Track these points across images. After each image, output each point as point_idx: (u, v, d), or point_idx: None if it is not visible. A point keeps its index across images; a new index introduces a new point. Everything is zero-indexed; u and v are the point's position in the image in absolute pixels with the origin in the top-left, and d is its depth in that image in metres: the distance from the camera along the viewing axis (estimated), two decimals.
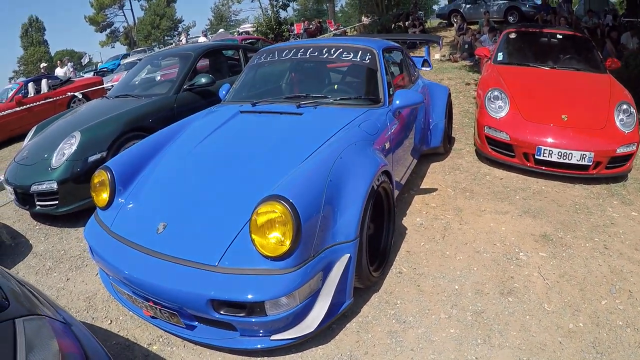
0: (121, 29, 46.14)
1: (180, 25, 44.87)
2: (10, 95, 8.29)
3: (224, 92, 3.77)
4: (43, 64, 13.40)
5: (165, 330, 2.26)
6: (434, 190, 3.82)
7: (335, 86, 3.51)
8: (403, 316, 2.29)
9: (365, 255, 2.27)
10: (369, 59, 3.33)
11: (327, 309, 2.02)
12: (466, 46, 10.39)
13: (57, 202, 3.73)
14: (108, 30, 45.71)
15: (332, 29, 18.63)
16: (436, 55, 10.76)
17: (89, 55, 29.31)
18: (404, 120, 3.30)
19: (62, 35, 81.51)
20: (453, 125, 5.39)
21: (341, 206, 2.12)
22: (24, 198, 3.84)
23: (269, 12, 19.21)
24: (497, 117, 4.16)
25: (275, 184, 2.10)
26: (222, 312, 1.91)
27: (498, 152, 4.13)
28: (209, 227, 2.14)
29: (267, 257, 1.89)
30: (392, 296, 2.45)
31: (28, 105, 7.40)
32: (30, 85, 8.91)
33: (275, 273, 1.88)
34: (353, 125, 2.71)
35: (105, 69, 18.69)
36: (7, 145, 7.96)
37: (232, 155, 2.65)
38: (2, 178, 4.15)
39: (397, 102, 3.01)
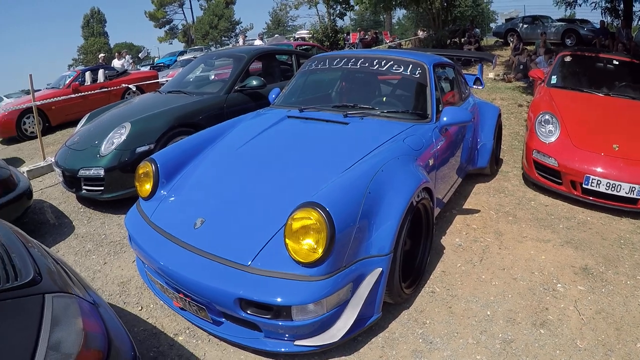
0: (180, 27, 47.81)
1: (237, 27, 46.03)
2: (67, 82, 8.73)
3: (273, 96, 3.85)
4: (101, 55, 14.04)
5: (193, 323, 2.30)
6: (477, 211, 3.72)
7: (384, 98, 3.49)
8: (430, 336, 2.22)
9: (398, 271, 2.23)
10: (419, 73, 3.32)
11: (353, 320, 1.99)
12: (521, 67, 10.12)
13: (102, 188, 3.87)
14: (167, 27, 47.46)
15: (388, 41, 18.61)
16: (490, 74, 10.54)
17: (147, 50, 30.37)
18: (451, 138, 3.24)
19: (122, 28, 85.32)
20: (502, 147, 5.25)
21: (378, 219, 2.09)
22: (71, 181, 4.01)
23: (326, 19, 19.36)
24: (547, 142, 4.01)
25: (314, 191, 2.10)
26: (248, 312, 1.92)
27: (545, 177, 3.96)
28: (245, 227, 2.16)
29: (299, 262, 1.89)
30: (422, 315, 2.39)
31: (83, 93, 7.74)
32: (88, 74, 9.35)
33: (305, 279, 1.87)
34: (398, 139, 2.69)
35: (162, 64, 19.35)
36: (61, 129, 8.34)
37: (274, 159, 2.68)
38: (53, 160, 4.35)
39: (445, 118, 2.96)
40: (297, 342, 1.98)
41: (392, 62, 3.42)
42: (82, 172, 3.87)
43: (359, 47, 16.93)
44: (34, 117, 7.99)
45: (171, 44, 48.20)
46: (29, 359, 1.15)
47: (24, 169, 5.40)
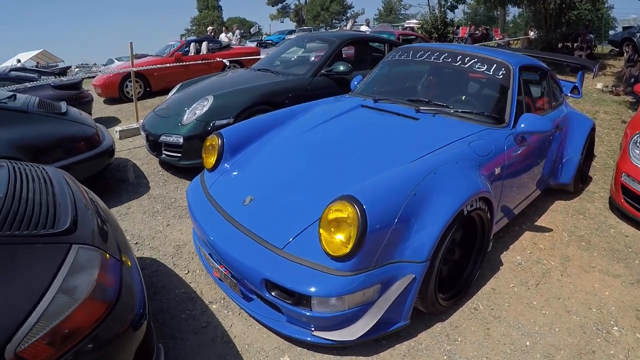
0: (292, 6, 48.86)
1: (349, 11, 46.20)
2: (171, 51, 9.31)
3: (355, 83, 3.85)
4: (210, 27, 14.77)
5: (227, 294, 2.39)
6: (548, 230, 3.40)
7: (463, 97, 3.31)
8: (457, 356, 2.10)
9: (435, 281, 2.13)
10: (502, 74, 3.10)
11: (374, 323, 1.95)
12: (632, 80, 9.03)
13: (180, 154, 4.13)
14: (279, 5, 48.73)
15: (497, 38, 17.60)
16: (598, 85, 9.55)
17: (259, 26, 31.40)
18: (529, 147, 2.99)
19: (236, 3, 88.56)
20: (594, 164, 4.73)
21: (419, 223, 1.99)
22: (154, 145, 4.31)
23: (436, 11, 18.71)
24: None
25: (360, 184, 2.05)
26: (273, 294, 1.96)
27: (632, 205, 3.47)
28: (288, 211, 2.20)
29: (328, 254, 1.88)
30: (456, 331, 2.26)
31: (184, 63, 8.24)
32: (192, 45, 9.94)
33: (331, 272, 1.86)
34: (464, 141, 2.54)
35: (270, 42, 19.86)
36: (161, 95, 8.95)
37: (335, 146, 2.70)
38: (141, 123, 4.69)
39: (522, 125, 2.74)
40: (316, 333, 1.98)
41: (475, 60, 3.23)
42: (163, 138, 4.15)
43: (467, 42, 16.20)
44: (136, 80, 8.72)
45: (282, 22, 49.54)
46: (38, 299, 1.26)
47: (117, 128, 5.92)
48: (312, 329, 1.99)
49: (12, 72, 6.62)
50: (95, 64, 20.53)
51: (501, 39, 17.45)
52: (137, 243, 3.20)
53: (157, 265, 2.92)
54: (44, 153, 3.39)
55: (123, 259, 1.71)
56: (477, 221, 2.41)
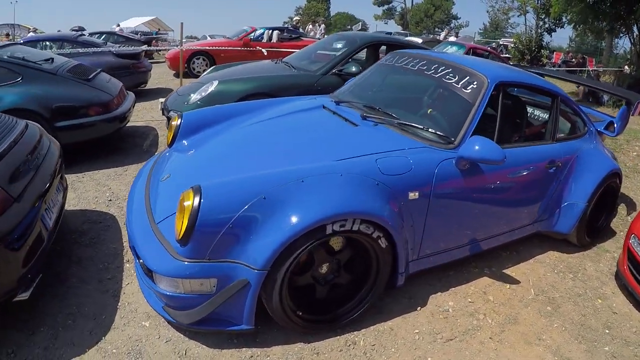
0: (398, 9, 48.59)
1: (453, 21, 44.93)
2: (241, 35, 9.86)
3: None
4: (296, 17, 15.20)
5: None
6: (514, 282, 2.99)
7: (424, 109, 3.10)
8: None
9: (281, 294, 2.09)
10: (471, 88, 2.80)
11: (207, 314, 2.04)
12: None
13: None
14: (386, 7, 48.62)
15: (590, 68, 16.08)
16: None
17: (363, 25, 31.70)
18: (488, 178, 2.66)
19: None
20: (622, 217, 4.09)
21: (264, 229, 1.96)
22: (167, 120, 4.73)
23: (533, 32, 17.59)
24: None
25: (225, 177, 2.16)
26: (140, 261, 2.17)
27: (634, 277, 2.86)
28: (181, 190, 2.22)
29: (176, 238, 2.01)
30: (314, 357, 2.20)
31: (250, 49, 8.72)
32: (266, 33, 10.39)
33: (173, 254, 2.00)
34: (373, 156, 2.35)
35: None
36: None
37: (266, 140, 2.82)
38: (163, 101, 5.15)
39: (466, 150, 2.44)
40: (165, 308, 2.16)
41: (450, 70, 3.00)
42: (170, 114, 4.54)
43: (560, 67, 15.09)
44: (202, 58, 9.42)
45: (386, 24, 49.55)
46: None
47: (161, 100, 6.49)
48: (164, 304, 2.18)
49: (81, 38, 7.50)
50: (196, 38, 22.04)
51: (594, 70, 15.91)
52: (110, 200, 3.63)
53: (112, 222, 3.31)
54: (59, 109, 3.96)
55: (21, 198, 2.19)
56: (369, 248, 2.26)
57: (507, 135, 3.12)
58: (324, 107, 3.23)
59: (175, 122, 3.12)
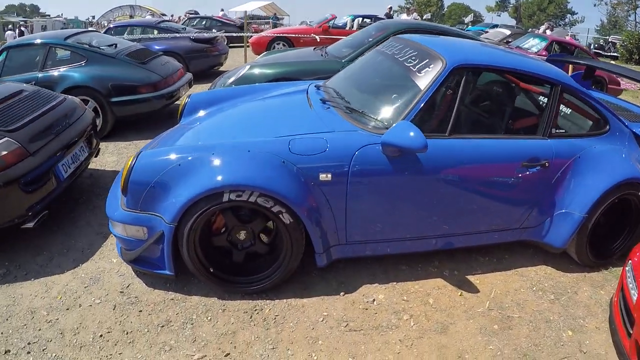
0: (512, 1, 45.47)
1: (568, 16, 40.89)
2: (321, 22, 10.26)
3: None
4: (389, 6, 15.08)
5: None
6: (472, 290, 2.78)
7: (379, 94, 3.05)
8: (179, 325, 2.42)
9: (189, 248, 2.41)
10: (425, 71, 2.70)
11: (137, 256, 2.52)
12: None
13: None
14: None
15: None
16: None
17: (476, 17, 30.23)
18: (419, 169, 2.53)
19: None
20: None
21: (177, 189, 2.33)
22: None
23: None
24: None
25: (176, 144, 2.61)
26: None
27: (620, 310, 2.32)
28: None
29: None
30: (209, 313, 2.52)
31: (327, 36, 9.08)
32: (349, 21, 10.67)
33: (121, 204, 2.52)
34: (291, 137, 2.47)
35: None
36: None
37: (240, 119, 3.14)
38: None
39: (388, 135, 2.38)
40: (121, 247, 2.70)
41: (412, 52, 2.94)
42: None
43: None
44: (282, 43, 10.02)
45: (499, 16, 46.50)
46: None
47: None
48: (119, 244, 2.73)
49: (162, 24, 8.51)
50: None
51: None
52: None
53: None
54: (114, 87, 4.81)
55: (36, 154, 2.95)
56: (275, 221, 2.45)
57: (472, 125, 2.99)
58: (306, 91, 3.37)
59: (183, 102, 3.65)
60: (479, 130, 2.98)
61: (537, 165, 2.79)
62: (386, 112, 2.70)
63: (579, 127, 3.22)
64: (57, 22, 22.75)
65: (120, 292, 2.66)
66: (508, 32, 12.63)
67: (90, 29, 8.84)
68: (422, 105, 2.56)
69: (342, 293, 2.66)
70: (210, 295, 2.62)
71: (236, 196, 2.33)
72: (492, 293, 2.79)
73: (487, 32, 14.95)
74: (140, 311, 2.50)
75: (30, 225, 2.90)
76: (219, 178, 2.31)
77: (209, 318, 2.45)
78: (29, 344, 2.28)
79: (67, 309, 2.52)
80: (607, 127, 3.09)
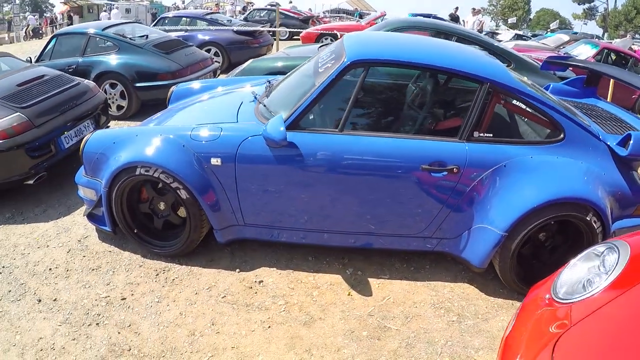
0: (600, 10, 41.45)
1: None
2: (370, 19, 10.52)
3: None
4: (456, 6, 14.54)
5: None
6: (364, 294, 2.88)
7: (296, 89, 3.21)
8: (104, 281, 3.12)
9: (117, 210, 3.00)
10: (324, 68, 2.88)
11: (89, 213, 3.24)
12: None
13: None
14: (586, 6, 42.19)
15: None
16: None
17: (565, 24, 28.27)
18: (303, 162, 2.71)
19: None
20: None
21: (109, 162, 2.95)
22: None
23: None
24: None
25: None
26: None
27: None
28: None
29: None
30: (136, 262, 3.14)
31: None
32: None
33: (82, 171, 3.25)
34: (202, 126, 2.91)
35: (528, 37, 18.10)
36: None
37: (197, 108, 3.64)
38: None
39: (266, 128, 2.62)
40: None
41: (335, 49, 3.10)
42: None
43: None
44: (331, 39, 10.45)
45: (585, 24, 42.68)
46: None
47: None
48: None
49: (208, 16, 9.31)
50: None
51: None
52: None
53: None
54: (138, 74, 5.68)
55: (41, 127, 3.81)
56: (175, 195, 2.90)
57: (374, 122, 3.11)
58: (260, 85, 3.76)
59: (170, 91, 4.32)
60: (382, 128, 2.98)
61: (443, 170, 2.67)
62: (283, 107, 2.89)
63: (522, 133, 3.08)
64: (141, 6, 25.11)
65: (78, 241, 3.42)
66: (567, 37, 11.94)
67: (132, 20, 9.92)
68: (311, 101, 2.73)
69: (237, 270, 3.08)
70: (138, 253, 3.24)
71: (145, 171, 2.86)
72: (385, 300, 2.82)
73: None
74: (84, 256, 3.23)
75: (31, 182, 3.78)
76: (134, 155, 2.88)
77: (127, 270, 3.09)
78: (3, 267, 3.11)
79: (39, 248, 3.34)
80: (561, 135, 2.79)
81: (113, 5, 22.93)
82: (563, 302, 1.75)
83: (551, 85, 4.02)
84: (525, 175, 2.68)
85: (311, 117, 2.97)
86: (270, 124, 2.63)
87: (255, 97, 3.32)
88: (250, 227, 3.05)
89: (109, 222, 3.15)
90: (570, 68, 4.68)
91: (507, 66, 5.31)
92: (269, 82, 3.64)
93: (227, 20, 9.69)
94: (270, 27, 11.06)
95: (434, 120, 3.15)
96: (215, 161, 2.82)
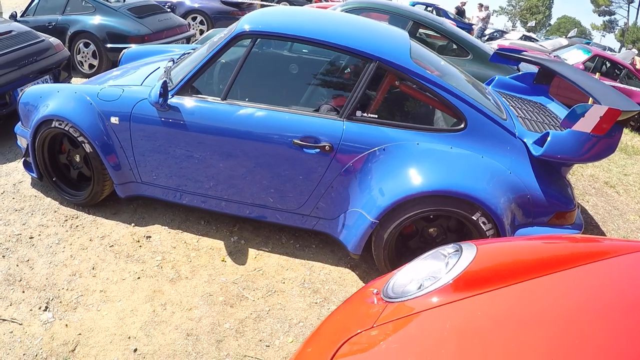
0: (620, 24, 40.17)
1: None
2: None
3: None
4: (462, 0, 14.25)
5: None
6: (239, 263, 3.11)
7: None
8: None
9: (38, 158, 3.44)
10: (219, 38, 3.12)
11: (23, 160, 3.75)
12: None
13: None
14: (606, 18, 40.81)
15: None
16: None
17: (585, 34, 27.49)
18: (182, 126, 2.91)
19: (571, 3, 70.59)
20: None
21: (35, 113, 3.37)
22: None
23: None
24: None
25: None
26: None
27: None
28: None
29: None
30: (50, 208, 3.68)
31: None
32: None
33: None
34: (113, 88, 3.22)
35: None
36: None
37: (139, 70, 3.88)
38: None
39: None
40: None
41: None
42: None
43: None
44: None
45: (604, 36, 41.50)
46: None
47: None
48: None
49: None
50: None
51: None
52: None
53: None
54: (109, 35, 6.10)
55: None
56: (82, 149, 3.25)
57: (260, 93, 3.28)
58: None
59: (121, 54, 4.69)
60: (265, 100, 2.96)
61: (316, 147, 2.70)
62: (180, 74, 3.09)
63: (417, 118, 3.11)
64: None
65: (13, 184, 3.90)
66: (566, 42, 11.96)
67: None
68: (198, 69, 2.94)
69: (133, 224, 3.49)
70: (57, 200, 3.71)
71: (59, 124, 3.24)
72: (255, 271, 3.03)
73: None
74: (13, 198, 3.72)
75: None
76: (52, 109, 3.26)
77: (43, 214, 3.57)
78: None
79: None
80: (462, 125, 2.72)
81: None
82: (385, 299, 1.59)
83: (496, 78, 4.03)
84: (407, 161, 2.61)
85: (203, 84, 3.23)
86: (153, 88, 2.86)
87: (168, 64, 3.60)
88: (147, 185, 3.32)
89: (35, 169, 3.60)
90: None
91: (465, 57, 5.52)
92: (192, 50, 3.81)
93: None
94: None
95: (321, 96, 3.22)
96: (114, 120, 3.12)
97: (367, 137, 2.69)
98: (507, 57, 4.01)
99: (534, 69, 4.10)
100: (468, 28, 13.77)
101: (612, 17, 42.93)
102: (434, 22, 5.74)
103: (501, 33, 21.66)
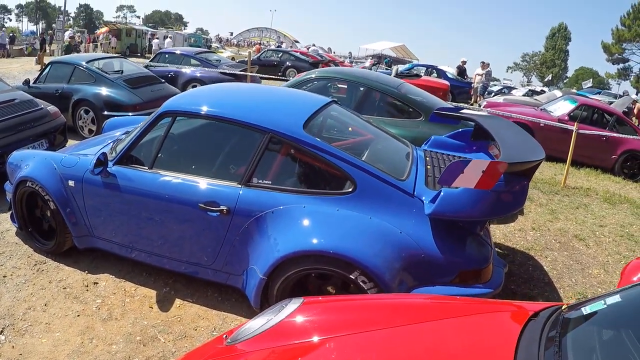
0: (635, 70, 41.04)
1: None
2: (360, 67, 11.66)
3: None
4: (463, 59, 15.32)
5: None
6: (157, 307, 3.60)
7: None
8: None
9: (17, 208, 4.35)
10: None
11: (10, 213, 4.68)
12: None
13: None
14: (621, 66, 41.38)
15: None
16: None
17: (603, 84, 28.62)
18: (112, 191, 3.57)
19: (585, 53, 72.96)
20: None
21: (16, 174, 4.26)
22: None
23: None
24: None
25: None
26: None
27: None
28: None
29: None
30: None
31: None
32: (395, 68, 11.90)
33: None
34: (73, 155, 4.03)
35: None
36: None
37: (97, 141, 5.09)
38: None
39: None
40: None
41: None
42: None
43: None
44: None
45: (619, 84, 42.21)
46: None
47: None
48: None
49: (199, 55, 10.83)
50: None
51: None
52: None
53: None
54: (104, 103, 7.20)
55: None
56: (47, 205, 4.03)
57: (179, 163, 3.69)
58: None
59: (103, 123, 5.73)
60: (182, 169, 3.45)
61: (217, 211, 3.10)
62: (120, 147, 3.78)
63: (309, 183, 3.27)
64: (179, 35, 27.80)
65: (0, 232, 4.87)
66: (560, 94, 12.99)
67: (115, 55, 11.58)
68: (131, 142, 3.61)
69: (86, 271, 4.26)
70: (33, 248, 4.60)
71: (31, 184, 4.09)
72: (174, 318, 3.54)
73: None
74: None
75: None
76: (27, 171, 4.12)
77: (19, 258, 4.47)
78: None
79: None
80: (351, 188, 2.95)
81: (157, 33, 25.99)
82: (227, 343, 1.89)
83: (432, 138, 4.30)
84: (291, 223, 2.87)
85: (140, 154, 3.71)
86: (93, 159, 3.54)
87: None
88: (99, 239, 3.96)
89: (17, 221, 4.53)
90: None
91: (417, 119, 5.65)
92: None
93: (216, 60, 11.14)
94: (276, 66, 12.40)
95: (231, 164, 3.62)
96: (71, 183, 3.82)
97: (260, 201, 3.05)
98: (446, 117, 4.43)
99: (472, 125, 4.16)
100: (467, 86, 15.15)
101: (627, 64, 43.81)
102: (387, 86, 6.14)
103: (509, 89, 22.89)
